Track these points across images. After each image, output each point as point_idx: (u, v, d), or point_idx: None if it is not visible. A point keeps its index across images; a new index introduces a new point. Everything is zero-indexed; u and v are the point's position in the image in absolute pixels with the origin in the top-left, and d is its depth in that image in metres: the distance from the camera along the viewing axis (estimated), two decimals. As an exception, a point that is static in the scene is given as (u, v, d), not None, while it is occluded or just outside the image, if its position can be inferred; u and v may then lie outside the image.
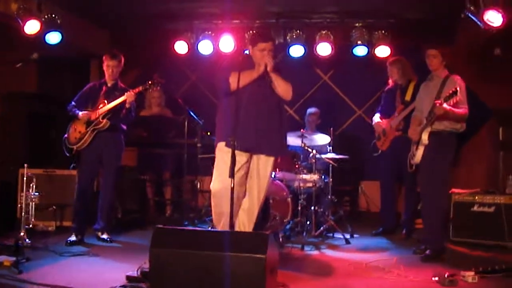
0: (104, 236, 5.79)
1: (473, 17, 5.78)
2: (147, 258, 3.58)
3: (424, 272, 4.52)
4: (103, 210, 5.84)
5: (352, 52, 7.32)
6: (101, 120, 5.68)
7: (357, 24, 7.33)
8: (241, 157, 4.62)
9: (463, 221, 5.95)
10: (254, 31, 5.93)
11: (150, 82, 5.68)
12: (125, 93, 5.62)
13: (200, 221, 7.12)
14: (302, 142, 6.15)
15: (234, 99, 4.62)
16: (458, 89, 4.85)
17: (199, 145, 7.10)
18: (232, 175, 4.18)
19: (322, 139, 6.41)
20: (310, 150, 6.17)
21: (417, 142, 5.33)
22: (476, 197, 5.94)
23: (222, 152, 4.74)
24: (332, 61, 7.65)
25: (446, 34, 7.39)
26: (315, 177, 6.08)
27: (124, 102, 5.65)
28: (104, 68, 5.85)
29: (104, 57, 5.84)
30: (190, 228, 6.03)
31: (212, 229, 4.94)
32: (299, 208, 6.12)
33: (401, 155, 6.30)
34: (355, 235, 6.35)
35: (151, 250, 3.55)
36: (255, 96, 4.69)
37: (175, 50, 7.55)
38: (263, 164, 4.82)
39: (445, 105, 4.89)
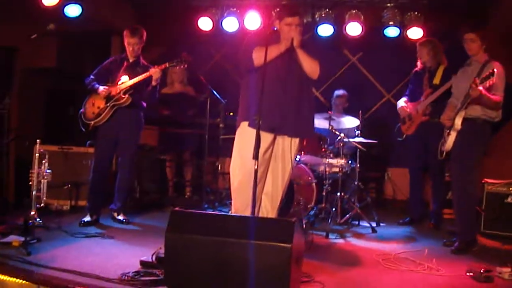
0: (121, 217, 5.60)
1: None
2: (164, 243, 3.36)
3: (456, 266, 4.26)
4: (120, 190, 5.64)
5: (383, 33, 7.00)
6: (122, 95, 5.46)
7: (388, 4, 7.00)
8: (266, 138, 4.34)
9: (495, 213, 5.62)
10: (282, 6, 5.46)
11: (178, 60, 5.43)
12: (150, 69, 5.40)
13: (221, 204, 6.91)
14: (329, 124, 5.87)
15: (258, 76, 4.34)
16: (495, 70, 4.58)
17: (221, 125, 6.87)
18: (256, 156, 3.95)
19: (350, 122, 6.10)
20: (337, 133, 5.89)
21: (450, 128, 5.06)
22: (511, 188, 5.61)
23: (245, 132, 4.48)
24: (361, 42, 7.32)
25: (480, 15, 7.05)
26: (342, 162, 5.81)
27: (147, 79, 5.43)
28: (125, 44, 5.61)
29: (124, 33, 5.59)
30: (210, 212, 5.83)
31: (233, 214, 4.69)
32: (324, 193, 5.88)
33: (428, 141, 6.07)
34: (381, 224, 6.08)
35: (167, 236, 3.31)
36: (281, 72, 4.41)
37: (199, 27, 7.29)
38: (288, 146, 4.55)
39: (480, 87, 4.61)
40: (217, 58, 8.37)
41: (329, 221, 5.66)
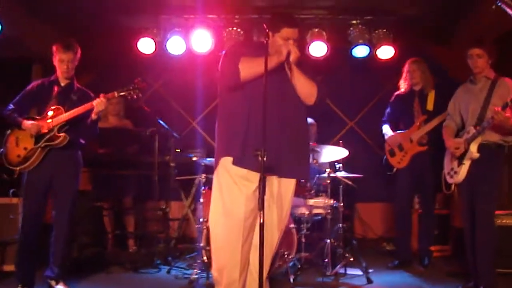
0: (60, 286, 4.39)
1: (508, 10, 4.95)
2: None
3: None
4: (57, 251, 4.44)
5: (351, 53, 6.26)
6: (57, 134, 4.32)
7: (354, 22, 6.30)
8: (254, 177, 3.38)
9: (508, 248, 4.92)
10: (274, 13, 4.21)
11: (129, 87, 4.37)
12: (94, 100, 4.31)
13: (177, 258, 5.79)
14: (313, 158, 4.96)
15: (245, 96, 3.50)
16: None
17: (172, 164, 5.80)
18: (261, 206, 2.99)
19: (336, 154, 5.17)
20: (322, 168, 5.02)
21: (461, 156, 4.36)
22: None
23: (227, 172, 3.51)
24: (324, 63, 6.54)
25: (446, 31, 6.56)
26: (330, 201, 4.92)
27: (89, 110, 4.34)
28: (56, 63, 4.50)
29: (54, 49, 4.47)
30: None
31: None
32: (304, 240, 4.98)
33: (423, 174, 5.38)
34: (369, 270, 5.23)
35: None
36: (276, 93, 3.47)
37: (139, 50, 6.22)
38: (286, 188, 3.64)
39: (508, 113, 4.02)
40: (157, 86, 7.26)
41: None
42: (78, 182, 4.57)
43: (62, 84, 4.53)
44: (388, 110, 5.76)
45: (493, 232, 4.34)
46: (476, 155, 4.28)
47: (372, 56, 6.23)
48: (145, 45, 6.21)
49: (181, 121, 7.07)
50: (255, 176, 3.35)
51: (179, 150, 6.17)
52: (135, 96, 4.40)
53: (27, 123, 4.34)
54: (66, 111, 4.37)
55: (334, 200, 5.05)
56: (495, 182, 4.32)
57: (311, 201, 4.96)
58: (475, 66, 4.39)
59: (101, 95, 4.34)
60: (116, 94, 4.38)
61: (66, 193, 4.46)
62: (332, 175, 4.97)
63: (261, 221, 2.98)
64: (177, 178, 5.78)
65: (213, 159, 5.31)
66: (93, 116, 4.36)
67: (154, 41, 6.17)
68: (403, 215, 5.54)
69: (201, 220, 5.01)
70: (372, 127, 6.39)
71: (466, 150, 4.34)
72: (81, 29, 5.99)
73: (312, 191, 5.06)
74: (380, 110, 6.00)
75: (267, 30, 3.47)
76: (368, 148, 6.98)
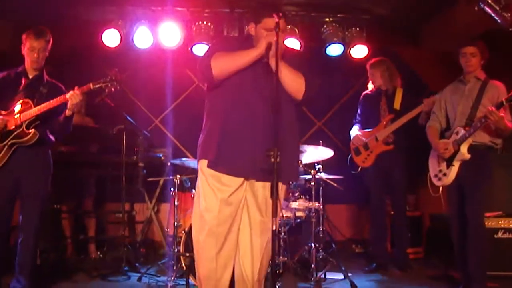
0: (28, 300, 3.99)
1: (489, 11, 4.96)
2: None
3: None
4: (25, 260, 4.04)
5: (325, 52, 6.12)
6: (25, 130, 3.92)
7: (327, 19, 6.16)
8: (232, 181, 3.20)
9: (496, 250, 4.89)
10: (257, 2, 3.71)
11: (106, 79, 3.97)
12: (68, 93, 3.92)
13: (146, 264, 5.44)
14: (297, 158, 4.75)
15: (222, 94, 3.25)
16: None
17: (140, 164, 5.46)
18: (274, 212, 2.76)
19: (322, 154, 4.95)
20: (308, 169, 4.82)
21: (450, 158, 4.30)
22: (500, 222, 4.98)
23: (204, 176, 3.27)
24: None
25: (414, 33, 6.58)
26: (314, 204, 4.73)
27: (61, 105, 3.95)
28: (25, 52, 4.11)
29: (24, 36, 4.09)
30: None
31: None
32: (282, 244, 4.77)
33: (392, 173, 5.31)
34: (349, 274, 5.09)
35: None
36: (258, 89, 3.19)
37: (102, 43, 5.81)
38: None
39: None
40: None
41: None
42: (48, 184, 4.20)
43: (30, 76, 4.15)
44: (358, 111, 5.67)
45: (484, 234, 4.28)
46: (467, 156, 4.21)
47: (345, 55, 6.11)
48: (110, 38, 5.81)
49: (144, 118, 6.70)
50: (230, 180, 3.17)
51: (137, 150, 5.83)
52: (112, 89, 4.03)
53: (-10, 117, 3.93)
54: (35, 105, 3.98)
55: (318, 203, 4.85)
56: (485, 184, 4.24)
57: (295, 204, 4.74)
58: (469, 65, 4.31)
59: (75, 87, 3.96)
60: (91, 86, 3.98)
61: (36, 197, 4.07)
62: (316, 176, 4.77)
63: (273, 228, 2.76)
64: (150, 179, 5.41)
65: (181, 160, 5.12)
66: (67, 112, 3.98)
67: (120, 33, 5.78)
68: (379, 215, 5.44)
69: (177, 223, 4.71)
70: (340, 127, 6.30)
71: (456, 151, 4.27)
72: (39, 21, 5.54)
73: (296, 193, 4.86)
74: (348, 110, 5.90)
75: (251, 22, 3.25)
76: (336, 149, 6.86)
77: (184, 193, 5.20)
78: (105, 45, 5.81)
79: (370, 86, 5.59)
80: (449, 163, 4.31)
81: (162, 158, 5.66)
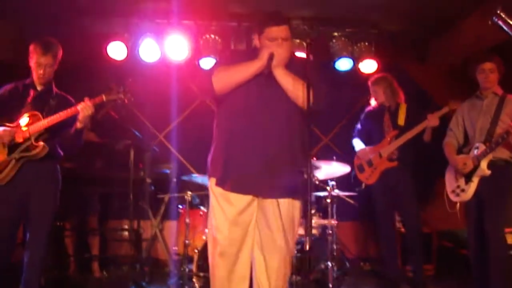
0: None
1: (503, 26, 4.91)
2: None
3: None
4: (31, 279, 3.84)
5: (334, 66, 6.04)
6: (34, 143, 3.78)
7: (335, 34, 6.09)
8: (237, 202, 3.10)
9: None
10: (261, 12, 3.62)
11: (122, 90, 3.86)
12: (79, 104, 3.78)
13: (150, 283, 5.27)
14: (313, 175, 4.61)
15: (227, 109, 3.18)
16: None
17: (148, 180, 5.31)
18: (308, 229, 2.65)
19: (338, 169, 4.84)
20: (325, 186, 4.69)
21: (469, 174, 4.21)
22: None
23: (213, 194, 3.18)
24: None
25: (422, 49, 6.55)
26: (331, 221, 4.59)
27: (71, 117, 3.82)
28: (32, 66, 3.95)
29: (31, 49, 3.93)
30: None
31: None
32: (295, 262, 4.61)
33: (398, 189, 5.18)
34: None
35: None
36: (263, 102, 3.09)
37: (109, 56, 5.69)
38: (287, 211, 3.15)
39: None
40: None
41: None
42: (57, 200, 4.03)
43: (39, 89, 4.00)
44: (358, 126, 5.55)
45: (506, 251, 4.17)
46: (487, 172, 4.13)
47: (354, 69, 6.03)
48: (116, 50, 5.69)
49: (148, 133, 6.56)
50: (238, 198, 3.06)
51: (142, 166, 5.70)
52: (126, 101, 3.91)
53: (-1, 129, 3.77)
54: (44, 117, 3.84)
55: (336, 220, 4.72)
56: (505, 199, 4.16)
57: (312, 221, 4.60)
58: (487, 81, 4.26)
59: (86, 98, 3.82)
60: (104, 98, 3.86)
61: (44, 213, 3.90)
62: (333, 193, 4.65)
63: (307, 247, 2.64)
64: (160, 196, 5.25)
65: (190, 176, 5.00)
66: (78, 124, 3.83)
67: (126, 46, 5.66)
68: (389, 233, 5.29)
69: (187, 242, 4.57)
70: (346, 144, 6.18)
71: (476, 167, 4.19)
72: (44, 32, 5.44)
73: (313, 211, 4.73)
74: (353, 126, 5.81)
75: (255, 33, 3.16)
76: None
77: (193, 210, 5.06)
78: (111, 58, 5.69)
79: (373, 102, 5.49)
80: (468, 179, 4.24)
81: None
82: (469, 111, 4.43)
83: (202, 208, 5.11)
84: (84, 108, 3.76)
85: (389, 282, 5.23)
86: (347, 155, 6.37)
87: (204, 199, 5.07)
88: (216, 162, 3.16)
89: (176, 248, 5.18)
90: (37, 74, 3.94)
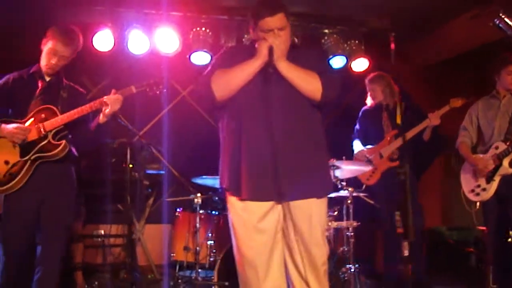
0: None
1: (505, 28, 4.99)
2: None
3: None
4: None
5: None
6: (52, 141, 3.33)
7: (326, 31, 5.96)
8: (255, 210, 2.85)
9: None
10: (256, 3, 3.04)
11: (152, 81, 3.50)
12: (107, 96, 3.38)
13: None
14: (334, 175, 4.43)
15: (232, 115, 2.91)
16: None
17: (146, 182, 4.92)
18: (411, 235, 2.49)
19: (356, 169, 4.69)
20: (345, 187, 4.52)
21: (492, 173, 4.22)
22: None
23: (231, 205, 2.93)
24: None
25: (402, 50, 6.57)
26: (353, 223, 4.43)
27: (94, 111, 3.42)
28: (45, 51, 3.49)
29: (50, 33, 3.48)
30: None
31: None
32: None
33: (395, 191, 5.11)
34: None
35: None
36: (271, 101, 2.83)
37: (94, 47, 5.22)
38: (310, 211, 2.89)
39: None
40: (95, 91, 6.14)
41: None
42: (73, 207, 3.59)
43: (48, 79, 3.54)
44: (357, 126, 5.45)
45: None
46: (510, 170, 4.18)
47: (345, 67, 5.93)
48: (102, 41, 5.24)
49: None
50: (257, 206, 2.82)
51: (131, 166, 5.28)
52: (157, 92, 3.55)
53: (8, 127, 3.32)
54: (60, 112, 3.41)
55: (357, 222, 4.56)
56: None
57: (334, 224, 4.43)
58: (510, 83, 4.31)
59: (113, 90, 3.43)
60: (133, 89, 3.48)
61: (61, 223, 3.46)
62: (354, 194, 4.49)
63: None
64: (168, 199, 4.86)
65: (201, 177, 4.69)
66: (101, 118, 3.42)
67: (113, 36, 5.22)
68: (392, 239, 5.21)
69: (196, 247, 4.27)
70: (333, 141, 6.07)
71: (497, 166, 4.20)
72: (26, 20, 4.96)
73: (335, 213, 4.55)
74: (341, 126, 5.70)
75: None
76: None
77: (193, 213, 4.75)
78: (96, 49, 5.23)
79: (369, 101, 5.39)
80: (490, 178, 4.24)
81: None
82: (484, 111, 4.46)
83: (201, 211, 4.81)
84: (113, 102, 3.37)
85: (390, 283, 5.18)
86: (333, 152, 6.32)
87: (207, 202, 4.78)
88: (227, 171, 2.90)
89: (173, 254, 4.83)
90: (48, 62, 3.48)
